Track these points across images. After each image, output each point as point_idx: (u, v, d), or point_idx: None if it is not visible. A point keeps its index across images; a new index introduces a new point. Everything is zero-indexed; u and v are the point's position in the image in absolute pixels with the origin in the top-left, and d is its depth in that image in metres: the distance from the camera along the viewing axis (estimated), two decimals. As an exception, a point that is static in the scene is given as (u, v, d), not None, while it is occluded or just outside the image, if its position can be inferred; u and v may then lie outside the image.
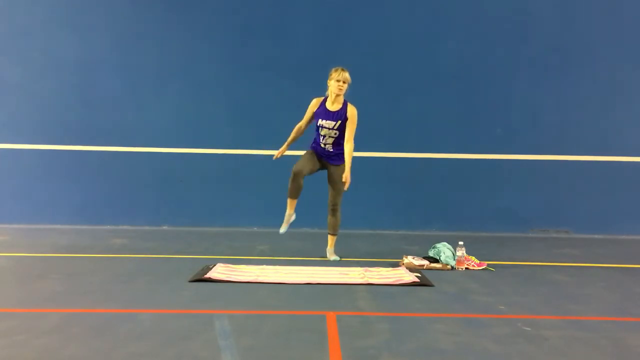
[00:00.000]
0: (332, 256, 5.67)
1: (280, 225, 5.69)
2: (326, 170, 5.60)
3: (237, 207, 7.80)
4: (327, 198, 5.62)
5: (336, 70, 5.42)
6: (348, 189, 5.49)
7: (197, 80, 7.85)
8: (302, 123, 5.67)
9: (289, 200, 5.60)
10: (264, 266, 5.18)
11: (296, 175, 5.44)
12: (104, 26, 7.86)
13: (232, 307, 3.88)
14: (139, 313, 3.72)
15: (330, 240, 5.72)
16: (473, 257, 5.45)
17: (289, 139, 5.70)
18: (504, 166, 7.84)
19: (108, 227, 7.71)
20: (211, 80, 7.85)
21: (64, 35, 7.84)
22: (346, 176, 5.42)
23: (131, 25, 7.88)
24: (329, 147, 5.51)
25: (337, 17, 7.86)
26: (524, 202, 7.82)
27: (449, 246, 5.44)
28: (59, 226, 7.60)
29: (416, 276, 4.85)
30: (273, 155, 5.75)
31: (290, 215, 5.65)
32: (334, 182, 5.53)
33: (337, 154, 5.52)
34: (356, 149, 7.65)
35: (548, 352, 3.12)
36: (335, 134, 5.46)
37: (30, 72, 7.84)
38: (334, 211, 5.62)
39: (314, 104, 5.56)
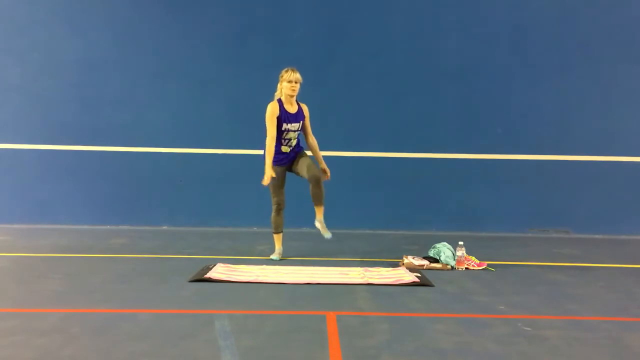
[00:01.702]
0: (324, 232, 5.48)
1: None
2: (293, 172, 5.61)
3: (237, 207, 7.79)
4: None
5: (286, 71, 5.42)
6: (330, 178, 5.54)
7: (197, 80, 7.85)
8: (272, 135, 5.36)
9: (276, 237, 5.66)
10: (264, 266, 5.19)
11: (281, 207, 5.55)
12: (104, 26, 7.86)
13: (232, 307, 3.88)
14: (139, 313, 3.72)
15: (319, 210, 5.49)
16: (473, 257, 5.45)
17: (269, 160, 5.35)
18: (503, 166, 7.83)
19: (108, 227, 7.71)
20: (211, 80, 7.85)
21: (64, 35, 7.84)
22: (325, 167, 5.54)
23: (131, 25, 7.88)
24: (293, 143, 5.53)
25: (337, 17, 7.86)
26: (524, 202, 7.82)
27: (449, 246, 5.44)
28: (59, 226, 7.60)
29: (416, 276, 4.85)
30: (263, 181, 5.33)
31: (281, 250, 5.65)
32: (302, 162, 5.48)
33: (297, 145, 5.58)
34: (356, 149, 7.71)
35: (548, 352, 3.12)
36: (299, 133, 5.55)
37: (30, 72, 7.84)
38: (317, 182, 5.38)
39: (274, 111, 5.37)
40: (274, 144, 5.40)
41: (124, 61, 7.85)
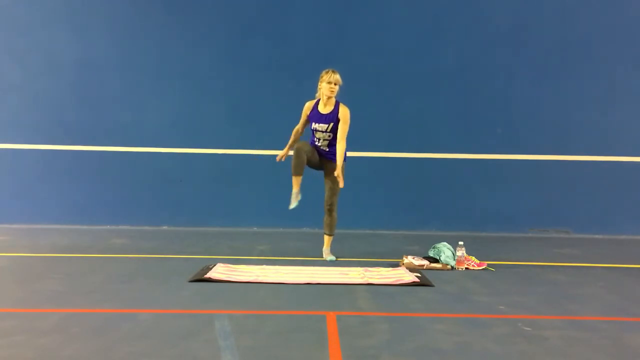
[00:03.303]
0: (328, 256, 5.68)
1: (288, 205, 5.62)
2: (323, 170, 5.63)
3: (237, 207, 7.80)
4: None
5: (327, 72, 5.44)
6: (343, 187, 5.46)
7: (197, 80, 7.85)
8: (298, 126, 5.73)
9: (293, 178, 5.54)
10: (264, 266, 5.19)
11: (299, 150, 5.40)
12: (104, 26, 7.86)
13: (232, 307, 3.89)
14: (139, 313, 3.72)
15: (327, 240, 5.73)
16: (473, 257, 5.45)
17: (290, 141, 5.73)
18: (504, 166, 7.83)
19: (108, 227, 7.71)
20: (211, 80, 7.85)
21: (64, 35, 7.84)
22: (338, 173, 5.40)
23: (131, 25, 7.88)
24: (324, 148, 5.56)
25: (337, 17, 7.86)
26: (524, 202, 7.82)
27: (449, 246, 5.44)
28: (59, 226, 7.60)
29: (416, 276, 4.85)
30: (276, 157, 5.79)
31: (296, 193, 5.57)
32: (331, 179, 5.53)
33: (333, 153, 5.53)
34: (356, 149, 7.72)
35: (548, 352, 3.12)
36: (329, 136, 5.49)
37: (30, 72, 7.84)
38: (330, 211, 5.62)
39: (307, 108, 5.61)
40: (298, 132, 5.71)
41: (124, 61, 7.85)
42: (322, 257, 5.67)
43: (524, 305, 4.08)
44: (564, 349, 3.18)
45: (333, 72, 5.42)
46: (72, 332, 3.31)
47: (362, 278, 4.77)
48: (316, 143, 5.57)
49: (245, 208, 7.76)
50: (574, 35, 7.83)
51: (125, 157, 7.84)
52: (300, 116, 5.66)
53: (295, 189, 5.56)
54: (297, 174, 5.49)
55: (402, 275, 4.88)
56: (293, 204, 5.59)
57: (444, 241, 5.57)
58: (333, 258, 5.65)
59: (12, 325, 3.41)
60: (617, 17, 7.81)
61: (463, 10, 7.85)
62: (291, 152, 5.65)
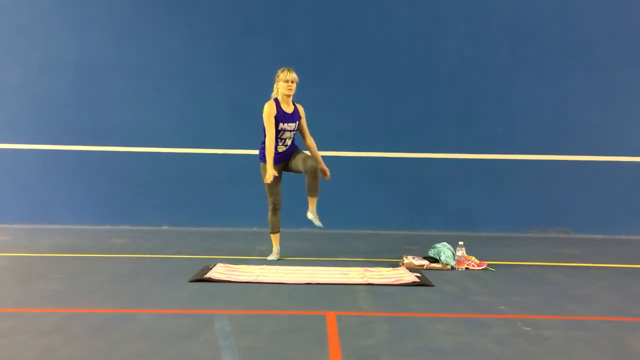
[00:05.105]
0: (316, 220, 5.53)
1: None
2: (291, 162, 5.59)
3: (237, 207, 7.79)
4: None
5: (282, 71, 5.43)
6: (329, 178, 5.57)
7: (197, 80, 7.85)
8: (272, 135, 5.36)
9: (273, 237, 5.66)
10: (264, 266, 5.19)
11: (277, 207, 5.56)
12: (104, 26, 7.87)
13: (232, 307, 3.88)
14: (139, 313, 3.72)
15: (312, 201, 5.52)
16: (473, 257, 5.44)
17: (270, 157, 5.36)
18: (504, 166, 7.83)
19: (108, 227, 7.71)
20: (211, 80, 7.85)
21: (64, 35, 7.84)
22: (324, 168, 5.57)
23: (131, 25, 7.88)
24: (289, 143, 5.53)
25: (337, 17, 7.86)
26: (524, 202, 7.82)
27: (449, 246, 5.44)
28: (59, 226, 7.60)
29: (416, 276, 4.85)
30: (265, 179, 5.38)
31: (277, 250, 5.67)
32: (298, 157, 5.50)
33: (292, 144, 5.58)
34: (356, 149, 7.72)
35: (548, 352, 3.12)
36: (295, 133, 5.56)
37: (30, 72, 7.84)
38: (314, 174, 5.38)
39: (272, 110, 5.38)
40: (273, 144, 5.41)
41: (124, 61, 7.84)
42: (322, 258, 5.66)
43: (524, 305, 4.08)
44: (564, 349, 3.18)
45: (289, 70, 5.42)
46: (72, 332, 3.31)
47: (362, 278, 4.77)
48: (280, 145, 5.47)
49: (245, 208, 7.74)
50: (574, 36, 7.83)
51: (125, 157, 7.84)
52: (267, 123, 5.35)
53: (276, 247, 5.66)
54: (277, 231, 5.65)
55: (402, 275, 4.88)
56: (273, 258, 5.60)
57: (444, 241, 5.56)
58: (321, 224, 5.55)
59: (12, 325, 3.41)
60: (617, 17, 7.81)
61: (463, 11, 7.85)
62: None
